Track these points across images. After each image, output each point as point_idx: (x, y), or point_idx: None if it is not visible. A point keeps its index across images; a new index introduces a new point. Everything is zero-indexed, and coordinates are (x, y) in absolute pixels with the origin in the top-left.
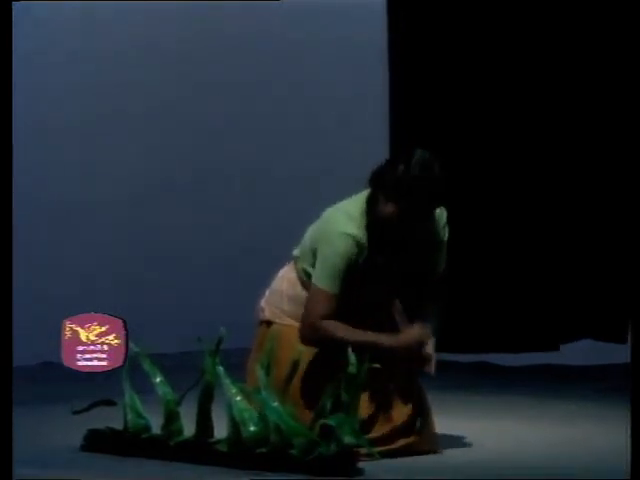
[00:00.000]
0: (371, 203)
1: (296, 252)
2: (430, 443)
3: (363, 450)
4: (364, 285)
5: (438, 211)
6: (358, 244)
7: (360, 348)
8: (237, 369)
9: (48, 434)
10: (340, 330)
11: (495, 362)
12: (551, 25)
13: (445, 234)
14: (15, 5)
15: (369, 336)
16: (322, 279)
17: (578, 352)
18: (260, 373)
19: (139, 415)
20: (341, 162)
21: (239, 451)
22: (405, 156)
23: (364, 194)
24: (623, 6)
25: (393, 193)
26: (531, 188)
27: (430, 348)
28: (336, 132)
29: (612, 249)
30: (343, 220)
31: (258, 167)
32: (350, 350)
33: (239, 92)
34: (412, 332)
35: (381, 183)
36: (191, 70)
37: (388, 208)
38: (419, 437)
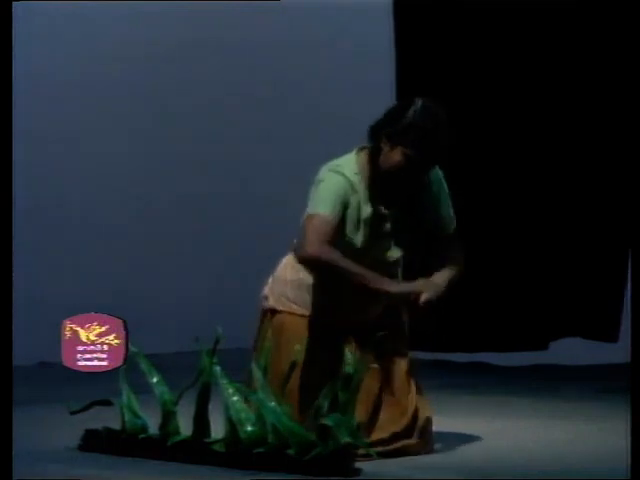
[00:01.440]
0: (373, 155)
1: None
2: (427, 445)
3: (360, 450)
4: (368, 240)
5: (438, 172)
6: (348, 181)
7: (357, 283)
8: (234, 369)
9: (45, 434)
10: (340, 259)
11: (490, 362)
12: (554, 25)
13: (444, 189)
14: (15, 5)
15: (368, 273)
16: (316, 207)
17: (570, 351)
18: (257, 373)
19: (136, 415)
20: None
21: (236, 451)
22: (411, 104)
23: (352, 153)
24: (623, 10)
25: (405, 138)
26: (522, 192)
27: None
28: (341, 134)
29: (603, 248)
30: (331, 164)
31: (258, 169)
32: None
33: (240, 92)
34: (415, 283)
35: (388, 131)
36: (192, 72)
37: (395, 156)
38: (418, 439)
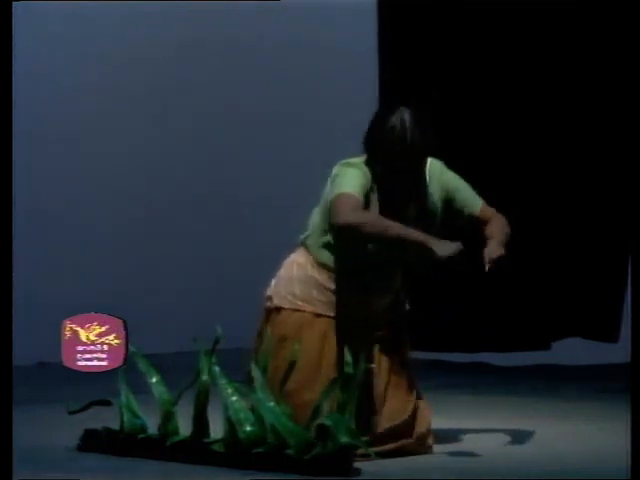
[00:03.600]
0: (368, 165)
1: (303, 236)
2: (426, 445)
3: (359, 450)
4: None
5: (435, 164)
6: (364, 173)
7: (397, 238)
8: (234, 369)
9: (44, 434)
10: (377, 217)
11: (490, 362)
12: (542, 22)
13: (450, 176)
14: (15, 5)
15: (407, 229)
16: (341, 188)
17: (570, 351)
18: (256, 373)
19: (135, 415)
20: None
21: (235, 451)
22: (378, 118)
23: (359, 159)
24: (621, 11)
25: (377, 151)
26: (522, 191)
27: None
28: (342, 135)
29: (604, 249)
30: (344, 162)
31: (258, 170)
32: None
33: (238, 91)
34: (450, 244)
35: (367, 147)
36: (192, 72)
37: (379, 167)
38: (417, 439)
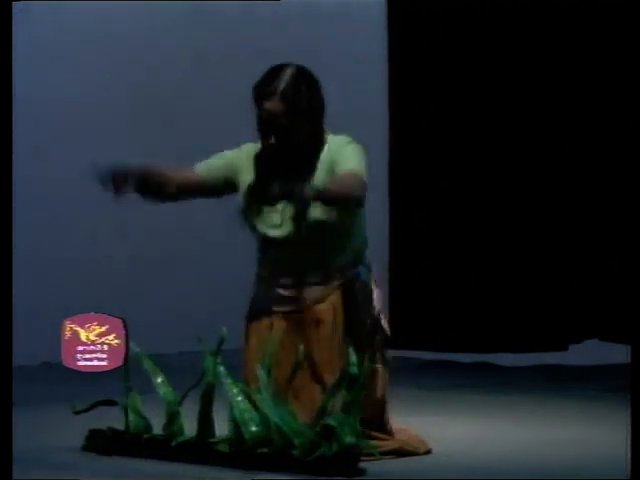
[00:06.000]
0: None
1: None
2: (427, 444)
3: (364, 450)
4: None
5: (339, 139)
6: (240, 149)
7: None
8: (238, 369)
9: (49, 434)
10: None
11: (493, 362)
12: (548, 27)
13: (348, 149)
14: (15, 5)
15: None
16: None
17: (570, 351)
18: (261, 373)
19: (140, 415)
20: None
21: (240, 451)
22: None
23: None
24: (621, 11)
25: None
26: (537, 188)
27: None
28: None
29: (620, 249)
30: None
31: None
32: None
33: (236, 90)
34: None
35: None
36: (192, 72)
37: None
38: (418, 439)
